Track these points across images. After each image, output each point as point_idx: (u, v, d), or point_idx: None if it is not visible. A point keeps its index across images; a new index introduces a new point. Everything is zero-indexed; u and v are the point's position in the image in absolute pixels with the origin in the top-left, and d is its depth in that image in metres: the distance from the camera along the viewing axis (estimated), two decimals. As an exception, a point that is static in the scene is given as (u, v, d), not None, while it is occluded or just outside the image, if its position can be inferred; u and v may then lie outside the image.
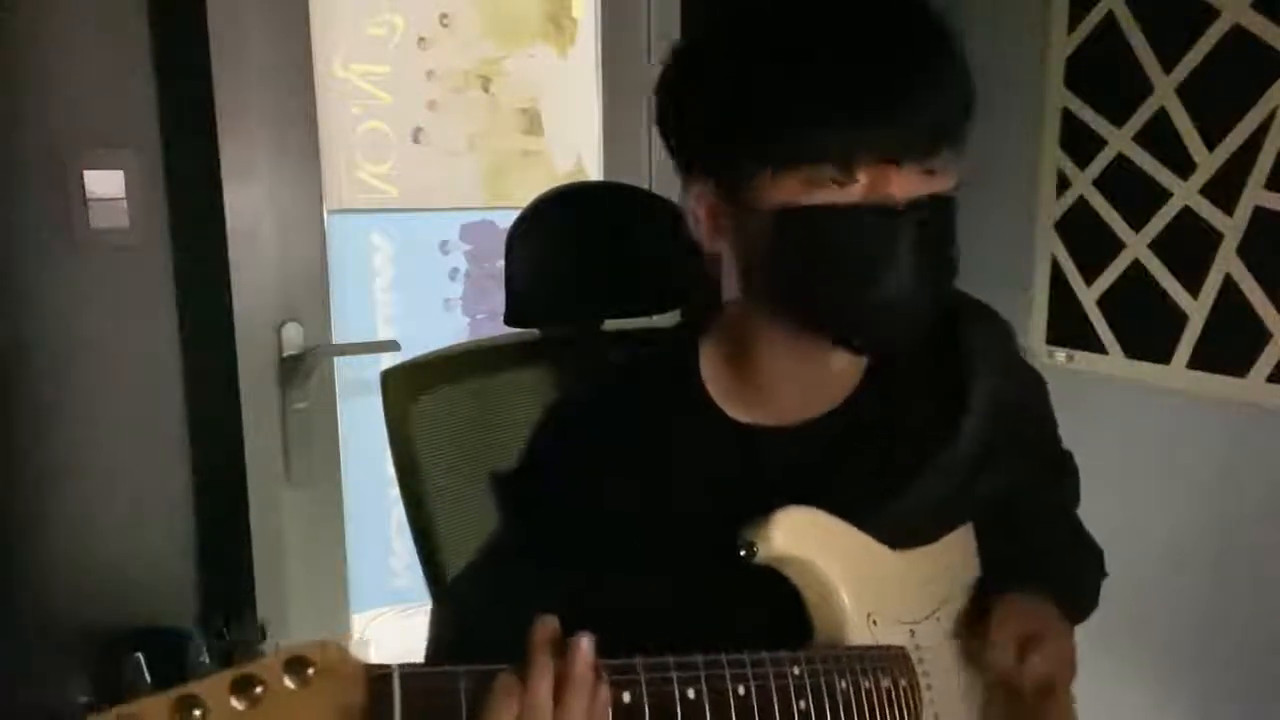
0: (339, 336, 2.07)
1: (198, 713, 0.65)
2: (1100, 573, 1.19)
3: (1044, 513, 1.16)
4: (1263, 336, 1.72)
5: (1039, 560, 1.07)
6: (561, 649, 0.76)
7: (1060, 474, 1.21)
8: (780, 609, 0.94)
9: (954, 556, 1.05)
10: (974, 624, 1.01)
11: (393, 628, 2.30)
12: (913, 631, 0.98)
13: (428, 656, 1.07)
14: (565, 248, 1.24)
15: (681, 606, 0.91)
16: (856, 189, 0.88)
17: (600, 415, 1.03)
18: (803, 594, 0.94)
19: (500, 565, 1.05)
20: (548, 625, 0.77)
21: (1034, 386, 1.15)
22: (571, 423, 1.05)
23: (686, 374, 1.02)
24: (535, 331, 1.29)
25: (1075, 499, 1.22)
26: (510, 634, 0.79)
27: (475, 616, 1.04)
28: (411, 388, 1.23)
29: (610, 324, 1.30)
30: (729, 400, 1.01)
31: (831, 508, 0.94)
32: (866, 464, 0.98)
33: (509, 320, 1.25)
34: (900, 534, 0.98)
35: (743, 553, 0.89)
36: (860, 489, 0.96)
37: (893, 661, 0.94)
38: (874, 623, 0.95)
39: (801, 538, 0.91)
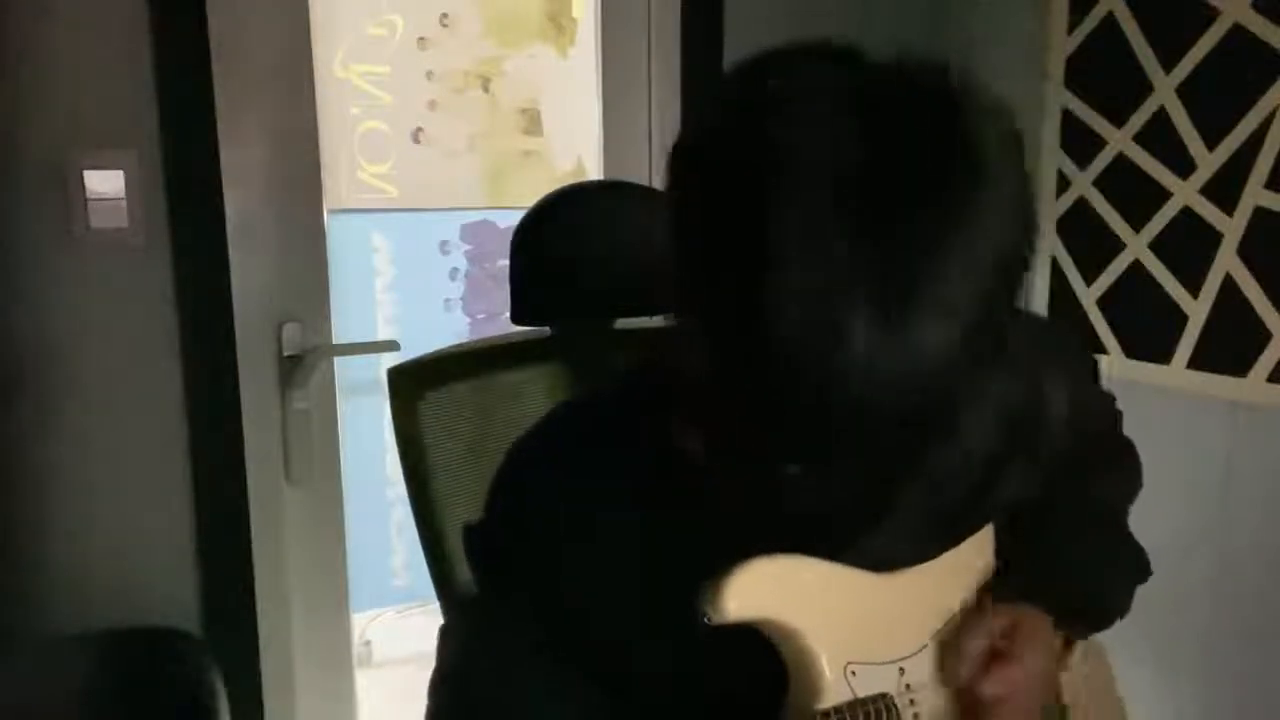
0: (339, 336, 2.07)
1: None
2: (1136, 575, 1.09)
3: (1074, 513, 1.05)
4: (1263, 336, 1.72)
5: (1049, 566, 1.00)
6: None
7: (1106, 465, 1.11)
8: (760, 658, 0.88)
9: (956, 570, 0.96)
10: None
11: (393, 628, 2.30)
12: (902, 669, 0.92)
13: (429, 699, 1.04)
14: (574, 245, 1.23)
15: (650, 648, 0.87)
16: None
17: (562, 460, 0.94)
18: (778, 648, 0.88)
19: (475, 622, 1.01)
20: None
21: (1065, 365, 1.04)
22: (532, 470, 0.96)
23: (654, 408, 0.90)
24: (544, 330, 1.29)
25: (1126, 492, 1.12)
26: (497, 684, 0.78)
27: (456, 677, 0.99)
28: (419, 386, 1.23)
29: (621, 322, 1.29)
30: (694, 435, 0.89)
31: (810, 536, 0.85)
32: (848, 484, 0.87)
33: (516, 318, 1.25)
34: (888, 559, 0.90)
35: (700, 620, 0.83)
36: (840, 513, 0.85)
37: (876, 715, 0.88)
38: (852, 674, 0.88)
39: (763, 595, 0.84)
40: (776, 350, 0.65)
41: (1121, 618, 1.07)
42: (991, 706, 0.91)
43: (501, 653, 0.94)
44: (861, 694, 0.88)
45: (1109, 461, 1.13)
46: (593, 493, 0.89)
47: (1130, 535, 1.11)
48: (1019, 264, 0.70)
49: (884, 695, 0.90)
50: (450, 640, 1.07)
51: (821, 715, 0.86)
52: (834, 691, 0.87)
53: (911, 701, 0.91)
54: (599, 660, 0.87)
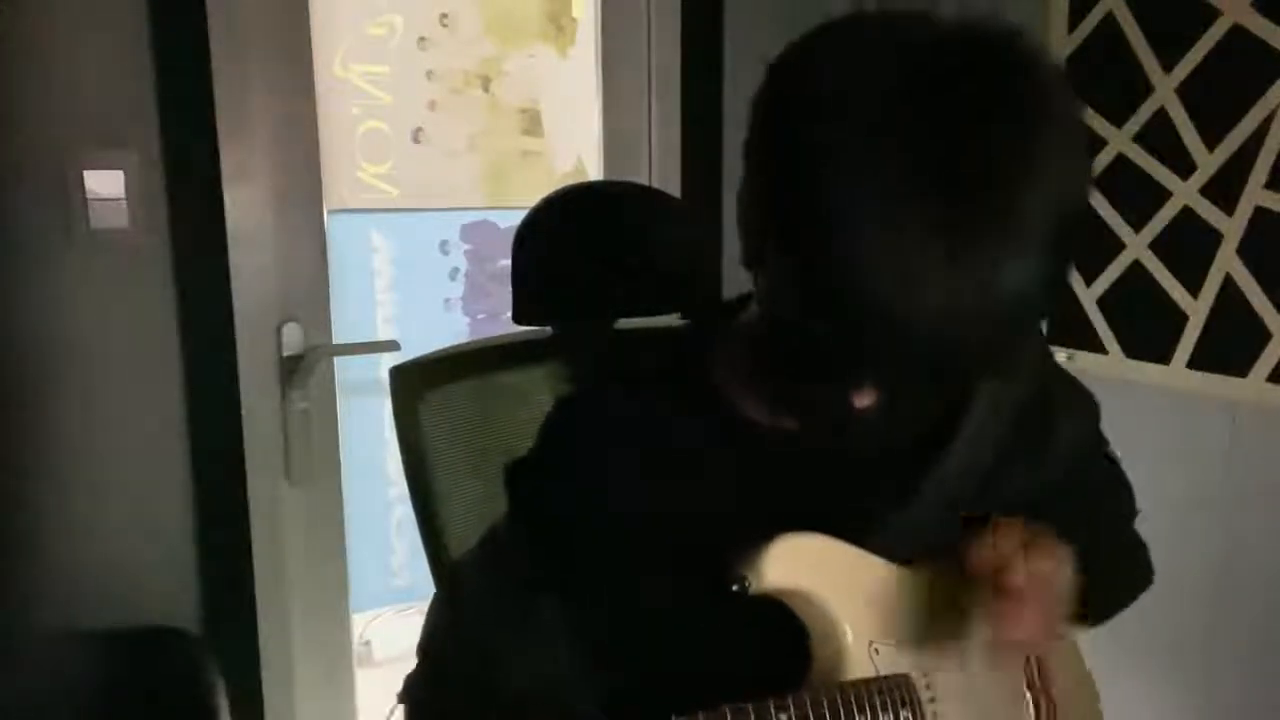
0: (339, 336, 2.07)
1: None
2: (1137, 575, 1.11)
3: (1072, 524, 1.04)
4: (1263, 336, 1.72)
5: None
6: None
7: (1097, 487, 1.11)
8: (782, 623, 0.91)
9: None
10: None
11: (393, 628, 2.30)
12: None
13: (421, 645, 1.06)
14: (575, 245, 1.24)
15: (679, 613, 0.89)
16: None
17: (613, 412, 0.98)
18: (803, 622, 0.92)
19: (501, 558, 1.02)
20: None
21: (1058, 386, 1.06)
22: (584, 418, 0.99)
23: (702, 372, 0.96)
24: (544, 330, 1.29)
25: (1121, 513, 1.13)
26: (506, 630, 0.78)
27: (472, 609, 1.04)
28: (420, 385, 1.23)
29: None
30: (746, 397, 0.93)
31: (838, 518, 0.90)
32: (874, 474, 0.93)
33: (517, 318, 1.25)
34: (907, 549, 0.94)
35: (735, 587, 0.86)
36: (866, 502, 0.92)
37: (895, 693, 0.91)
38: (876, 651, 0.92)
39: (797, 568, 0.88)
40: (859, 289, 0.70)
41: (1119, 609, 1.09)
42: (1025, 591, 0.89)
43: (517, 590, 0.97)
44: (883, 672, 0.92)
45: (1096, 476, 1.13)
46: (639, 454, 0.93)
47: (1136, 537, 1.13)
48: (1077, 211, 0.75)
49: (905, 675, 0.93)
50: (459, 582, 1.13)
51: (850, 686, 0.90)
52: (858, 666, 0.91)
53: (929, 686, 0.95)
54: (627, 614, 0.90)
